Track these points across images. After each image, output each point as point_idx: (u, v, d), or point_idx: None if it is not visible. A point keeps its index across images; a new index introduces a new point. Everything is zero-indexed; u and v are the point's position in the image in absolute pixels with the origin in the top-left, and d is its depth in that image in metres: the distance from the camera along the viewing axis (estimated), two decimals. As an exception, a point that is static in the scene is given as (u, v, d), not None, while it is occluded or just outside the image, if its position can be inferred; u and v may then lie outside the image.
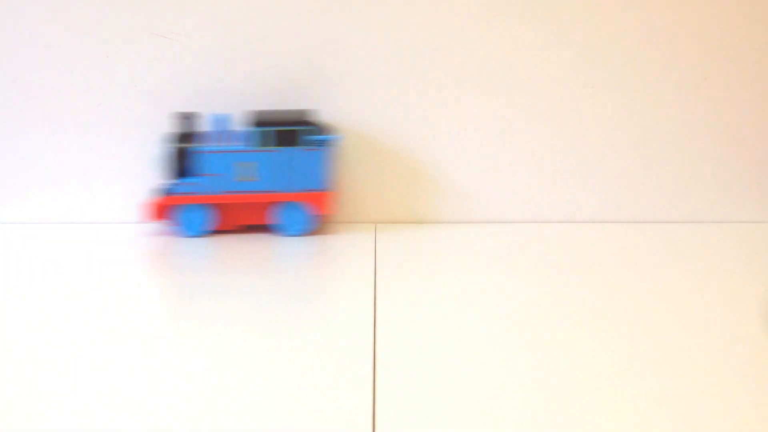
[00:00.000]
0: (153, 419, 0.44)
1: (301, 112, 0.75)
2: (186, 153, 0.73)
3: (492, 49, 0.76)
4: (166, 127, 0.76)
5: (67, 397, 0.47)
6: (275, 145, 0.73)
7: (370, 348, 0.52)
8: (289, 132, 0.73)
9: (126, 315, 0.59)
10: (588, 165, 0.79)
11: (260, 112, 0.75)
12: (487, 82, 0.77)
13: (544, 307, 0.60)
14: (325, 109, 0.77)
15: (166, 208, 0.74)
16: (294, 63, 0.77)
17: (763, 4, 0.76)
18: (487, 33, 0.76)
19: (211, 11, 0.76)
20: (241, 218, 0.76)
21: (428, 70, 0.77)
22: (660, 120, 0.79)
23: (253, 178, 0.74)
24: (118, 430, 0.43)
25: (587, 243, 0.75)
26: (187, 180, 0.74)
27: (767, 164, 0.79)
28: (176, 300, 0.64)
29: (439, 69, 0.77)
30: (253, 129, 0.73)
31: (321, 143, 0.73)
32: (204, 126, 0.76)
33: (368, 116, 0.78)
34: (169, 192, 0.74)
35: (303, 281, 0.67)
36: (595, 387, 0.47)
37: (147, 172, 0.78)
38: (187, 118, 0.75)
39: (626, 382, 0.48)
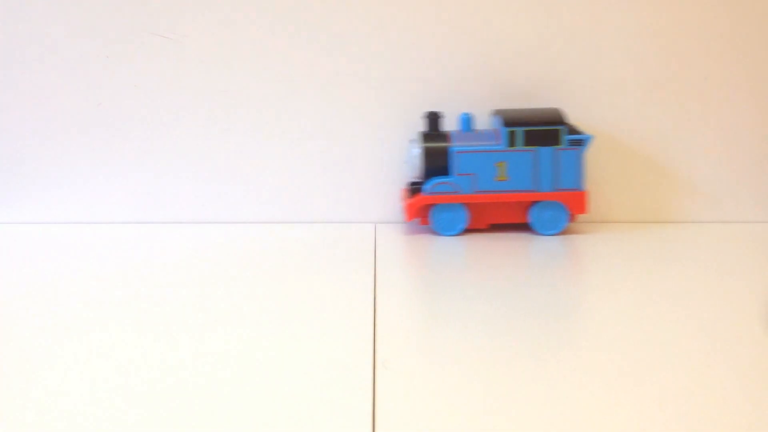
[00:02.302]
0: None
1: (553, 111, 0.75)
2: (440, 152, 0.74)
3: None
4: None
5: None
6: (530, 145, 0.74)
7: (370, 347, 0.52)
8: (544, 131, 0.74)
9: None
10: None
11: (510, 111, 0.75)
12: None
13: (546, 307, 0.60)
14: (566, 108, 0.77)
15: (421, 208, 0.75)
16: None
17: (764, 4, 0.76)
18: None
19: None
20: (493, 217, 0.77)
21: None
22: (659, 119, 0.79)
23: (506, 177, 0.74)
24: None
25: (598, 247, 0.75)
26: (442, 179, 0.74)
27: (767, 164, 0.79)
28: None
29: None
30: (507, 128, 0.73)
31: (577, 143, 0.74)
32: (451, 125, 0.77)
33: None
34: (423, 191, 0.75)
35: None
36: (595, 387, 0.47)
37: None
38: (435, 117, 0.75)
39: (625, 382, 0.48)
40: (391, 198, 0.80)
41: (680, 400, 0.45)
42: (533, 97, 0.78)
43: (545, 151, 0.74)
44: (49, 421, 0.44)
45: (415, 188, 0.76)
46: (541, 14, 0.76)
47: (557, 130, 0.74)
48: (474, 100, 0.78)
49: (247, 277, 0.67)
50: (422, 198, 0.75)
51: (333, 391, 0.47)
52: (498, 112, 0.75)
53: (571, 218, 0.76)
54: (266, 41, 0.77)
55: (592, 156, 0.77)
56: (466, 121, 0.75)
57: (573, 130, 0.75)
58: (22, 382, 0.49)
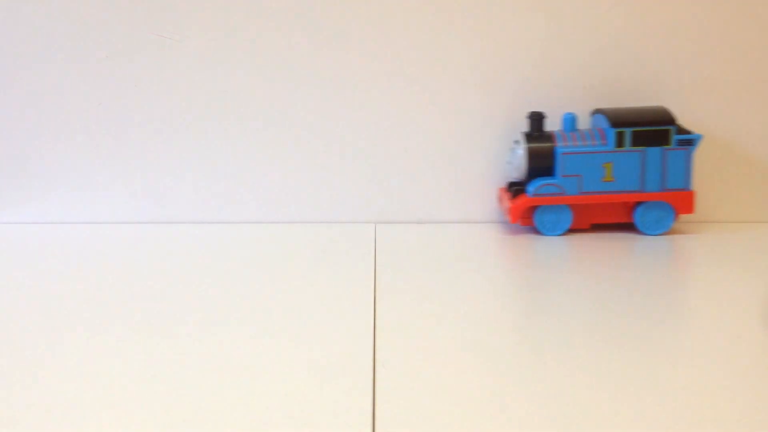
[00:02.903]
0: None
1: (661, 111, 0.74)
2: (544, 153, 0.74)
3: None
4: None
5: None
6: (638, 145, 0.73)
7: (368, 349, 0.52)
8: (653, 132, 0.73)
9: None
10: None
11: (616, 111, 0.74)
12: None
13: (546, 307, 0.60)
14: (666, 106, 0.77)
15: (525, 209, 0.75)
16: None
17: (764, 3, 0.76)
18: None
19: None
20: (597, 217, 0.76)
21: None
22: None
23: (613, 178, 0.74)
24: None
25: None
26: (547, 180, 0.74)
27: (767, 164, 0.79)
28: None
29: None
30: (615, 129, 0.73)
31: (686, 143, 0.73)
32: (555, 125, 0.76)
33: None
34: (528, 193, 0.74)
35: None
36: (595, 387, 0.47)
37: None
38: (539, 117, 0.74)
39: (626, 382, 0.48)
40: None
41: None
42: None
43: (653, 151, 0.73)
44: (50, 420, 0.44)
45: (517, 189, 0.75)
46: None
47: (667, 131, 0.73)
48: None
49: (249, 276, 0.67)
50: (528, 200, 0.74)
51: (333, 391, 0.47)
52: (601, 111, 0.75)
53: (680, 218, 0.76)
54: (267, 40, 0.77)
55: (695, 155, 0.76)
56: (571, 120, 0.75)
57: (681, 130, 0.74)
58: (22, 382, 0.49)
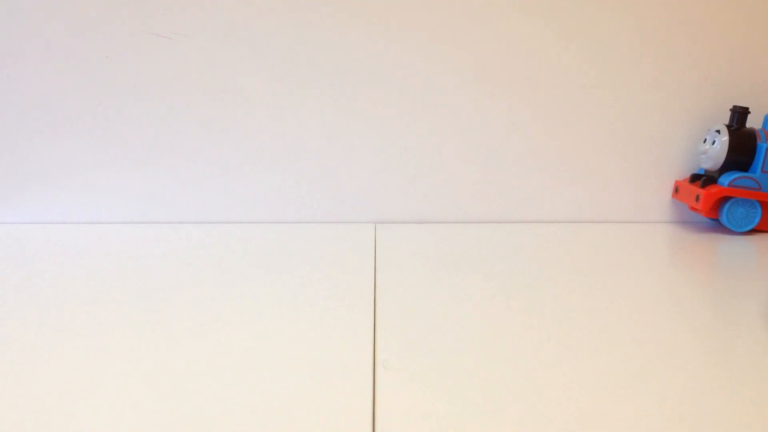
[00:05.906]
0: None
1: None
2: (745, 147, 0.74)
3: None
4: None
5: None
6: None
7: (370, 347, 0.52)
8: None
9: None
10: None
11: None
12: None
13: (546, 307, 0.60)
14: None
15: (717, 200, 0.74)
16: None
17: (764, 3, 0.76)
18: None
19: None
20: None
21: None
22: (661, 120, 0.79)
23: None
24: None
25: (589, 242, 0.75)
26: (744, 174, 0.74)
27: None
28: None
29: None
30: None
31: None
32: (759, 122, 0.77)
33: None
34: (721, 183, 0.74)
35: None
36: (595, 387, 0.47)
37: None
38: (743, 112, 0.75)
39: (626, 382, 0.47)
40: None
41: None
42: None
43: None
44: (50, 420, 0.44)
45: (706, 179, 0.75)
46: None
47: None
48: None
49: (250, 277, 0.67)
50: (722, 189, 0.74)
51: (333, 391, 0.47)
52: None
53: None
54: (266, 40, 0.77)
55: None
56: None
57: None
58: (22, 382, 0.49)
